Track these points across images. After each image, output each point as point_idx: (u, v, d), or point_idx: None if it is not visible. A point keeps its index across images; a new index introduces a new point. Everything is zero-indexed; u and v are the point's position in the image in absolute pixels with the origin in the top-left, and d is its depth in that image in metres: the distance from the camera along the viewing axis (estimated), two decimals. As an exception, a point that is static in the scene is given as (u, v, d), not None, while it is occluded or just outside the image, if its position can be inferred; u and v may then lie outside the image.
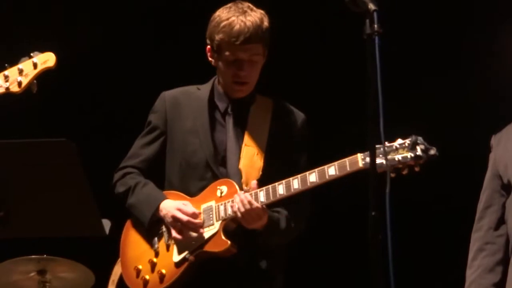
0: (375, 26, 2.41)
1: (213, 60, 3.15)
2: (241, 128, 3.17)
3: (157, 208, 3.12)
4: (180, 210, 3.06)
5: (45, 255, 4.31)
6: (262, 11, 3.09)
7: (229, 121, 3.17)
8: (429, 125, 3.54)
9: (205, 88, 3.23)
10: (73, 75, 4.49)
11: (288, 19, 4.18)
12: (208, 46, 3.15)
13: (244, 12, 3.05)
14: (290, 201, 3.05)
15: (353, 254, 4.54)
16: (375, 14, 2.43)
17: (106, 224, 3.14)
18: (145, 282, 3.15)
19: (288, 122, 3.20)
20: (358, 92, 2.72)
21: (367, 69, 2.42)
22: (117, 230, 3.32)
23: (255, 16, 3.05)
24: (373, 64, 2.40)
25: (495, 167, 3.20)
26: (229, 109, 3.17)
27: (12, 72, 3.00)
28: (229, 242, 3.02)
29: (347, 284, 5.12)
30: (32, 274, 4.35)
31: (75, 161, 2.61)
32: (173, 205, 3.10)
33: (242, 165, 3.12)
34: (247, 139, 3.14)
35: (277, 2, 4.05)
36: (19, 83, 2.97)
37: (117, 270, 3.41)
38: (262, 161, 3.12)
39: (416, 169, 2.87)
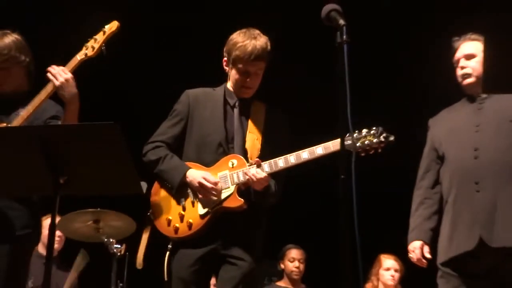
0: (344, 37, 2.77)
1: (227, 69, 3.73)
2: (245, 118, 3.67)
3: (184, 175, 3.56)
4: (205, 178, 3.52)
5: (98, 209, 4.81)
6: (266, 38, 3.68)
7: (236, 113, 3.68)
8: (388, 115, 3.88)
9: (219, 90, 3.77)
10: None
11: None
12: (225, 59, 3.73)
13: (255, 38, 3.64)
14: (273, 178, 3.62)
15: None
16: (344, 28, 2.79)
17: (143, 185, 3.70)
18: (176, 229, 3.53)
19: (277, 118, 3.74)
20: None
21: (337, 72, 2.69)
22: (151, 190, 3.70)
23: (262, 41, 3.64)
24: (343, 66, 2.72)
25: (432, 142, 3.72)
26: (236, 104, 3.70)
27: (91, 42, 3.52)
28: (242, 200, 3.53)
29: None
30: (89, 222, 4.86)
31: (120, 138, 2.85)
32: (199, 174, 3.53)
33: (247, 146, 3.60)
34: (250, 127, 3.65)
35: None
36: (93, 48, 3.48)
37: (144, 238, 3.63)
38: (260, 144, 3.62)
39: (379, 150, 3.41)
